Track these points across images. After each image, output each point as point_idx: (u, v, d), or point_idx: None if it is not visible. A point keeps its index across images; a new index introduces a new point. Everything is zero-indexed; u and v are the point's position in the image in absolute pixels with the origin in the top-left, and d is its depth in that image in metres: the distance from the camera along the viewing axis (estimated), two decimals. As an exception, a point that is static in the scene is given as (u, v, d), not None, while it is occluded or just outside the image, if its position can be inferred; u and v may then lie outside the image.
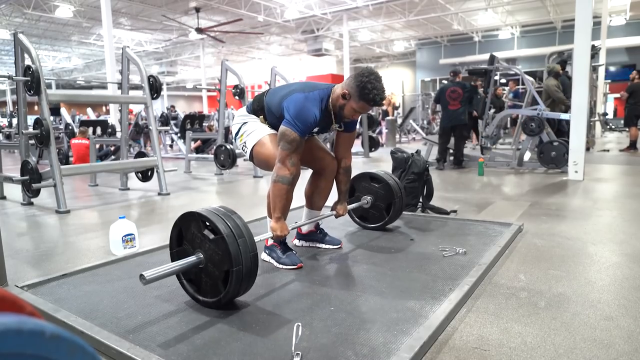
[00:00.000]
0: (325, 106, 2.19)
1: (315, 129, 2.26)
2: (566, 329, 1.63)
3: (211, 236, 1.71)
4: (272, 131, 2.28)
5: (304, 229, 2.64)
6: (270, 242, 2.37)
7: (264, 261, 2.37)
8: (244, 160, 7.81)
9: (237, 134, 2.40)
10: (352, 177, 2.83)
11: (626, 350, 1.47)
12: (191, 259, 1.74)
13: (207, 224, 1.73)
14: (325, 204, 2.63)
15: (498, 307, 1.82)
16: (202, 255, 1.74)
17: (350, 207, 2.77)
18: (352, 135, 2.45)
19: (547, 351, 1.48)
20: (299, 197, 2.55)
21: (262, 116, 2.34)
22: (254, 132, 2.32)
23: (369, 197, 2.90)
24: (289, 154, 2.10)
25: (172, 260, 1.85)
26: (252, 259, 1.71)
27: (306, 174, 2.37)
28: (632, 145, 8.58)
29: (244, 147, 2.37)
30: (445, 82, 22.55)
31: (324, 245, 2.60)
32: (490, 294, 1.96)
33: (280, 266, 2.28)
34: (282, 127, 2.13)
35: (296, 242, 2.67)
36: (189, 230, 1.80)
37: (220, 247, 1.69)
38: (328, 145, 9.19)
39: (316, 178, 2.53)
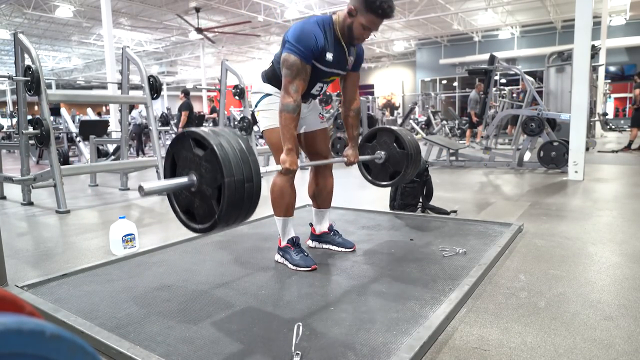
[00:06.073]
0: (328, 31, 2.10)
1: (329, 57, 2.11)
2: (566, 329, 1.63)
3: (201, 153, 1.57)
4: None
5: (317, 230, 2.61)
6: (284, 243, 2.33)
7: (277, 262, 2.36)
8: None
9: (257, 103, 2.31)
10: (379, 126, 2.81)
11: (626, 350, 1.47)
12: (183, 179, 1.60)
13: (197, 141, 1.57)
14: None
15: (498, 307, 1.82)
16: (194, 177, 1.60)
17: (361, 158, 2.59)
18: (358, 74, 2.40)
19: (547, 351, 1.48)
20: (303, 195, 2.56)
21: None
22: (271, 113, 2.23)
23: (382, 153, 2.68)
24: (291, 80, 2.02)
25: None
26: (248, 169, 1.53)
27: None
28: (628, 145, 8.69)
29: (258, 122, 2.32)
30: (444, 82, 22.67)
31: (336, 248, 2.56)
32: (490, 294, 1.96)
33: (294, 268, 2.24)
34: (283, 55, 2.04)
35: (309, 243, 2.65)
36: (180, 155, 1.65)
37: (210, 160, 1.52)
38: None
39: (314, 176, 2.52)
